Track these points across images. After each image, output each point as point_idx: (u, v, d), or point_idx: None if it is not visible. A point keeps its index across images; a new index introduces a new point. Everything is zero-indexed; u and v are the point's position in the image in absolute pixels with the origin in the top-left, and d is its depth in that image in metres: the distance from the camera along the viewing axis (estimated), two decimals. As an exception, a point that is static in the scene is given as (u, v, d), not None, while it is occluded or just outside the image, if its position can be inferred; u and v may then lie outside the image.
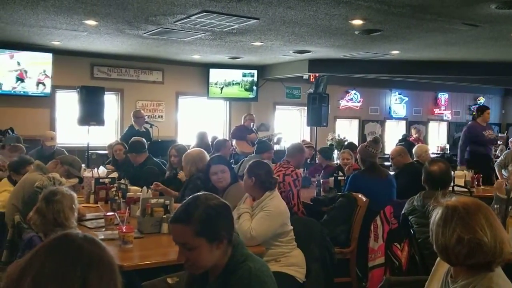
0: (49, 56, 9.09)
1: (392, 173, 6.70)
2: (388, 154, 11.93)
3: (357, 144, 8.44)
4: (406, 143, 9.65)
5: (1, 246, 3.84)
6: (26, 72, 8.99)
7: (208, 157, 4.59)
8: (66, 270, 1.05)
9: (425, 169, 3.65)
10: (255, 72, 11.37)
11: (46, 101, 9.40)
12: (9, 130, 8.53)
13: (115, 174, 5.30)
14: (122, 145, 6.35)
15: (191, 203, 1.88)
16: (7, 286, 1.02)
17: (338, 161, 6.79)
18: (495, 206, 3.64)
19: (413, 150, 6.43)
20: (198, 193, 1.97)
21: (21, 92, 9.04)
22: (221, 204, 1.91)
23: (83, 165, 5.97)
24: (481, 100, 15.63)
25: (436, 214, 1.83)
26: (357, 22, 6.41)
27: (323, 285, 3.39)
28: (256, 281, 1.83)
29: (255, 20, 6.35)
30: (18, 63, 8.92)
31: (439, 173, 3.54)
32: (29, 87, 9.07)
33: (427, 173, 3.59)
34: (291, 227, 3.25)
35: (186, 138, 10.43)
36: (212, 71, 11.06)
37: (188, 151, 4.73)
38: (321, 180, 5.62)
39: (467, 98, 15.54)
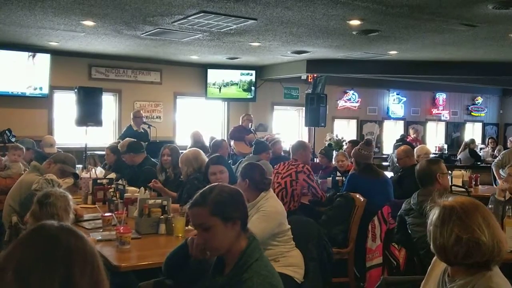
0: (47, 57, 9.08)
1: (390, 174, 6.72)
2: (386, 154, 12.00)
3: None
4: (404, 143, 9.64)
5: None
6: (24, 73, 8.97)
7: (204, 156, 4.59)
8: (46, 261, 1.06)
9: None
10: (253, 72, 11.36)
11: (43, 102, 9.39)
12: (6, 131, 8.52)
13: (113, 175, 5.29)
14: (109, 149, 6.21)
15: (207, 189, 2.04)
16: None
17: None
18: (489, 206, 3.66)
19: (414, 150, 6.42)
20: (214, 184, 2.14)
21: (19, 93, 9.02)
22: (233, 190, 2.07)
23: (80, 166, 5.94)
24: (479, 100, 15.65)
25: (433, 215, 1.83)
26: (355, 22, 6.41)
27: (321, 285, 3.38)
28: None
29: (253, 21, 6.34)
30: (16, 64, 8.89)
31: (423, 168, 3.60)
32: (27, 88, 9.05)
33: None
34: (288, 226, 3.23)
35: (184, 138, 10.44)
36: (210, 72, 11.05)
37: (184, 152, 4.72)
38: (320, 181, 5.64)
39: (465, 98, 15.55)
